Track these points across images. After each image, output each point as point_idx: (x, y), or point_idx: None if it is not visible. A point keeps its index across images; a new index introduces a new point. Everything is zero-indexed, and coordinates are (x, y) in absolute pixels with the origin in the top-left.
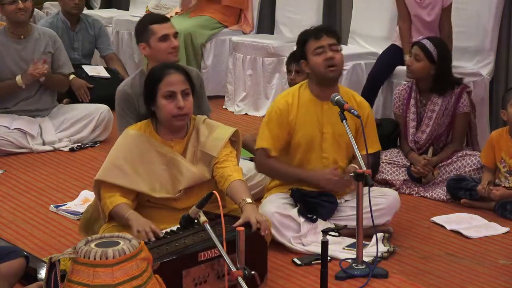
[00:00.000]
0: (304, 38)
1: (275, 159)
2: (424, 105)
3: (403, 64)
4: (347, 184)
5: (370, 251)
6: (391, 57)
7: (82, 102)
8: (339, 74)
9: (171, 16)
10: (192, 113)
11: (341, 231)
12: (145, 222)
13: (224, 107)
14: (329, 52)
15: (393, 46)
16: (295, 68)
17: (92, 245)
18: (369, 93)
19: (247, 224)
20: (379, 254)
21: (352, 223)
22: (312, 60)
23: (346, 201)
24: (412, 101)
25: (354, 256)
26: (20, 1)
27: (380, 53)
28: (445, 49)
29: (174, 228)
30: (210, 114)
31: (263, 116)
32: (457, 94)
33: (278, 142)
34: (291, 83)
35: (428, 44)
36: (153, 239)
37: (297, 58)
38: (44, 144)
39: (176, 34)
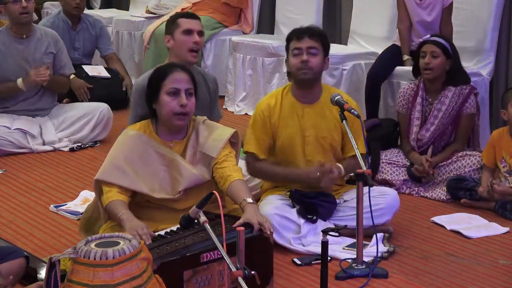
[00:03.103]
0: (288, 36)
1: (265, 162)
2: (430, 104)
3: (402, 64)
4: (333, 180)
5: (370, 251)
6: (391, 56)
7: (82, 102)
8: (311, 77)
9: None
10: (203, 116)
11: (341, 231)
12: (137, 225)
13: (224, 107)
14: (305, 55)
15: (393, 46)
16: None
17: (92, 245)
18: (371, 93)
19: (247, 224)
20: (379, 254)
21: (352, 223)
22: (289, 59)
23: (345, 201)
24: (419, 99)
25: (354, 256)
26: (23, 0)
27: (380, 53)
28: (453, 44)
29: (174, 228)
30: (220, 120)
31: None
32: (465, 95)
33: (263, 145)
34: None
35: (441, 40)
36: (147, 242)
37: None
38: (44, 144)
39: (200, 32)
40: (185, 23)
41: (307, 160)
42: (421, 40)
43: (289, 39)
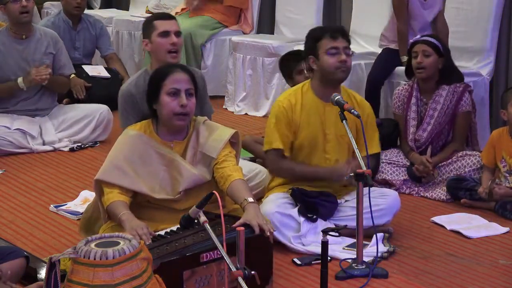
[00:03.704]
0: (318, 35)
1: (290, 160)
2: (425, 104)
3: (401, 65)
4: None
5: (370, 251)
6: (387, 60)
7: (79, 99)
8: (346, 76)
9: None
10: (194, 114)
11: (341, 231)
12: (137, 225)
13: (224, 107)
14: (343, 54)
15: (387, 50)
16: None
17: (92, 245)
18: (371, 95)
19: (247, 224)
20: (379, 254)
21: (352, 223)
22: (324, 58)
23: (346, 201)
24: (413, 100)
25: (354, 256)
26: (23, 0)
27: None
28: (444, 42)
29: (174, 228)
30: (212, 115)
31: (264, 116)
32: (459, 93)
33: (287, 142)
34: None
35: (432, 39)
36: (147, 242)
37: (304, 54)
38: (44, 144)
39: (178, 33)
40: (161, 25)
41: (326, 158)
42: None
43: (318, 37)
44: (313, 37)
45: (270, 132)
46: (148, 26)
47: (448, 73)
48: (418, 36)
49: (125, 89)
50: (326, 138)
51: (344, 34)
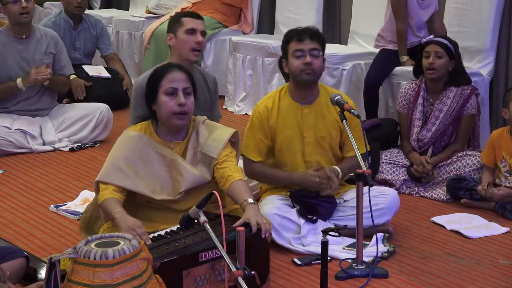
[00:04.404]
0: (288, 37)
1: (261, 164)
2: (431, 104)
3: (399, 65)
4: (330, 186)
5: (370, 251)
6: (385, 60)
7: (79, 99)
8: (314, 78)
9: (170, 16)
10: (203, 116)
11: (341, 231)
12: (132, 224)
13: (224, 107)
14: (308, 57)
15: (384, 51)
16: None
17: (92, 245)
18: (369, 97)
19: (247, 225)
20: (379, 254)
21: (352, 223)
22: (291, 61)
23: (345, 201)
24: (420, 100)
25: (354, 256)
26: (23, 0)
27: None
28: (456, 44)
29: (174, 228)
30: (219, 120)
31: None
32: (466, 96)
33: (262, 147)
34: None
35: (445, 41)
36: (148, 242)
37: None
38: (44, 144)
39: (203, 33)
40: (189, 23)
41: (306, 160)
42: (421, 40)
43: (288, 40)
44: (284, 40)
45: (245, 137)
46: (175, 21)
47: (457, 76)
48: (431, 36)
49: (139, 83)
50: (304, 141)
51: (312, 36)
